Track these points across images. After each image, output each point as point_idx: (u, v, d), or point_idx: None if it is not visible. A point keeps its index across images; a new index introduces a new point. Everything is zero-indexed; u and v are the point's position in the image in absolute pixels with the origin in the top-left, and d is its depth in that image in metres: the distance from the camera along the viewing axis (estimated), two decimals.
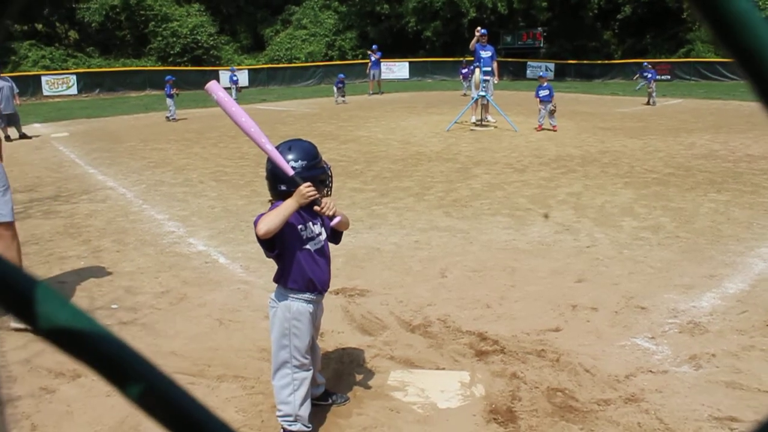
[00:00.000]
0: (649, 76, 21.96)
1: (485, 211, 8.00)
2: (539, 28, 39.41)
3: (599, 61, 38.23)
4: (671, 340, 4.39)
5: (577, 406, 3.57)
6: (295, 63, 39.35)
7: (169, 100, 19.49)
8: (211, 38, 38.74)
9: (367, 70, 30.25)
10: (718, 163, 10.94)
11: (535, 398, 3.67)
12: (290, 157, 3.03)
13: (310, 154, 3.11)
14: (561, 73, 38.00)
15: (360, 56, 40.68)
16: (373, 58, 29.26)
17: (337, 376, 3.96)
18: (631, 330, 4.56)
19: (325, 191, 3.15)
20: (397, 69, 39.09)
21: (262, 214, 2.96)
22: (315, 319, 3.25)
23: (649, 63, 25.66)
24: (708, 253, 6.20)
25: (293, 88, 34.85)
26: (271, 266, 3.18)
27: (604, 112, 20.28)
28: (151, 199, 9.03)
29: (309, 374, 3.22)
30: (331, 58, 40.39)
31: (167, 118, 19.61)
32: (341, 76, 25.45)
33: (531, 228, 7.21)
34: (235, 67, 31.75)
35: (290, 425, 3.22)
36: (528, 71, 38.42)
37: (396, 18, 39.88)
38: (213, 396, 3.77)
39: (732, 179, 9.59)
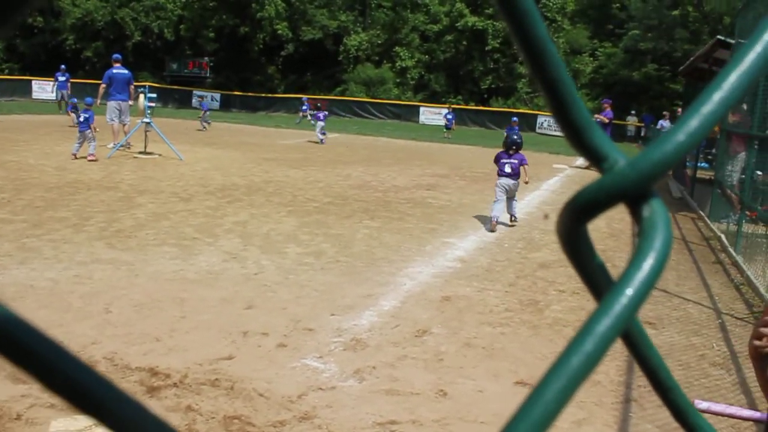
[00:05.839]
0: (321, 116, 22.32)
1: (151, 241, 7.70)
2: (206, 58, 39.56)
3: (264, 94, 39.67)
4: (337, 357, 4.69)
5: (254, 431, 3.61)
6: None
7: None
8: None
9: (52, 90, 28.76)
10: (370, 193, 12.05)
11: (212, 429, 3.62)
12: None
13: None
14: (227, 104, 38.57)
15: (7, 71, 36.48)
16: (60, 78, 27.07)
17: None
18: (300, 351, 4.77)
19: None
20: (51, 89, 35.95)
21: None
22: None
23: (308, 98, 27.36)
24: (365, 275, 6.78)
25: None
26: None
27: (269, 143, 21.01)
28: None
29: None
30: None
31: None
32: None
33: (198, 257, 7.13)
34: None
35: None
36: (193, 100, 38.19)
37: (51, 33, 36.63)
38: None
39: (382, 207, 10.64)
